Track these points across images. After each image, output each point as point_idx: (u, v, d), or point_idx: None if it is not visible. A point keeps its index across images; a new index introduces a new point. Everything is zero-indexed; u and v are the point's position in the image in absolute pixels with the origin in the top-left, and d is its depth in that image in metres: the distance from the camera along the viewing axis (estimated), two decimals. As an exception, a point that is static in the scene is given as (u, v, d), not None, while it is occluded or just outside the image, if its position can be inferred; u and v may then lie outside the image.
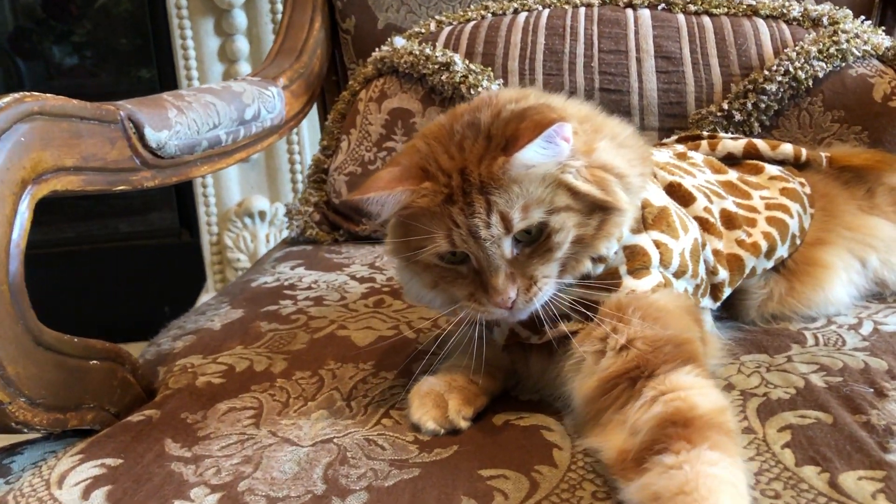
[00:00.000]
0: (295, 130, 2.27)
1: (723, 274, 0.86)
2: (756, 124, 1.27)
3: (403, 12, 1.55)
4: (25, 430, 0.71)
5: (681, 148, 1.05)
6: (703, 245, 0.84)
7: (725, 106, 1.27)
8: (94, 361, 0.79)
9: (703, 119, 1.28)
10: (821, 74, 1.27)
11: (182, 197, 2.60)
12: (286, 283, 1.17)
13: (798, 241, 0.94)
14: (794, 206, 0.95)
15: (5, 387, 0.67)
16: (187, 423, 0.77)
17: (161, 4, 2.35)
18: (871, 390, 0.75)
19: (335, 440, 0.72)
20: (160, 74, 2.55)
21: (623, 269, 0.76)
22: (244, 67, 2.33)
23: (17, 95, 0.72)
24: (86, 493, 0.67)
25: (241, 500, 0.64)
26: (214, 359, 0.91)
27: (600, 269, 0.75)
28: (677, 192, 0.88)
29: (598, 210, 0.71)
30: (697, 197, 0.89)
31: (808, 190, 1.00)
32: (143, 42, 2.61)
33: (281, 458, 0.69)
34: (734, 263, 0.87)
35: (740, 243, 0.88)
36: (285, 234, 2.44)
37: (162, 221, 2.72)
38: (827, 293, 0.94)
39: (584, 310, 0.72)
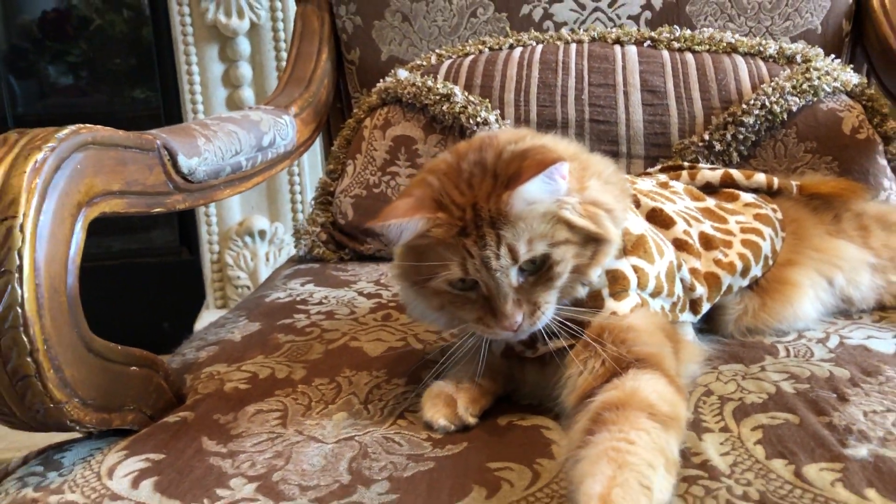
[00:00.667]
0: (295, 153, 2.36)
1: (700, 290, 0.95)
2: (735, 154, 1.37)
3: (405, 45, 1.64)
4: (77, 428, 0.79)
5: (663, 177, 1.15)
6: (680, 266, 0.94)
7: (706, 137, 1.37)
8: (134, 368, 0.87)
9: (685, 149, 1.38)
10: (794, 108, 1.37)
11: (182, 216, 2.68)
12: (298, 299, 1.25)
13: (770, 262, 1.04)
14: (767, 230, 1.04)
15: (63, 388, 0.75)
16: (220, 423, 0.85)
17: (165, 28, 2.44)
18: (835, 395, 0.84)
19: (356, 438, 0.80)
20: (164, 97, 2.64)
21: (605, 292, 0.85)
22: (247, 92, 2.42)
23: (73, 127, 0.80)
24: (135, 483, 0.75)
25: (277, 488, 0.72)
26: (238, 367, 0.99)
27: (586, 290, 0.84)
28: (659, 217, 0.97)
29: (591, 242, 0.80)
30: (677, 221, 0.98)
31: (779, 215, 1.09)
32: (138, 62, 2.69)
33: (309, 453, 0.78)
34: (712, 281, 0.96)
35: (717, 263, 0.97)
36: (284, 252, 2.53)
37: (162, 239, 2.79)
38: (796, 309, 1.03)
39: (572, 328, 0.81)
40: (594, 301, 0.84)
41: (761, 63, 1.45)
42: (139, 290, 2.71)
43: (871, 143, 1.38)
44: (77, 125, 0.81)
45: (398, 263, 0.86)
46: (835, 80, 1.39)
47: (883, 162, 1.38)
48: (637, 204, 0.99)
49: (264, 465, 0.76)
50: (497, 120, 1.44)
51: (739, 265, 0.98)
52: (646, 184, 1.07)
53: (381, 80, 1.56)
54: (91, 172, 0.81)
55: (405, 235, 0.78)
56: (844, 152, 1.37)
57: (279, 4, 2.35)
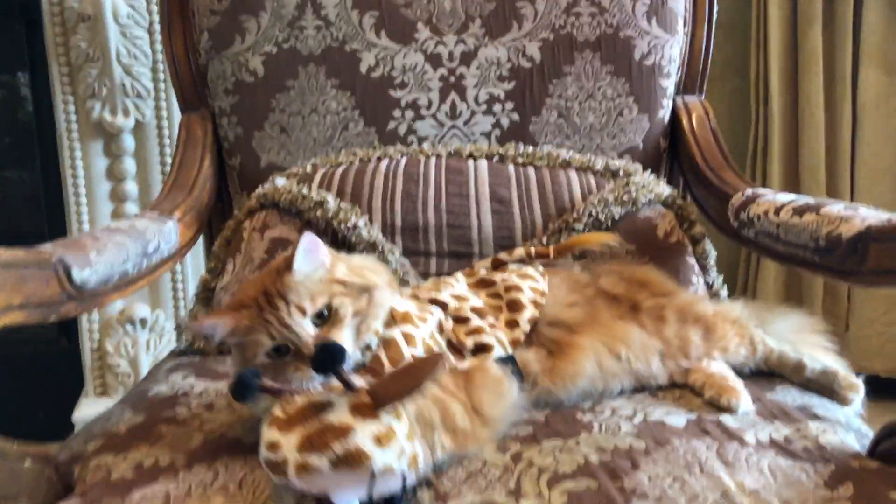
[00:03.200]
0: (178, 244, 2.46)
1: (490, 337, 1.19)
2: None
3: (283, 154, 1.82)
4: (-26, 519, 0.89)
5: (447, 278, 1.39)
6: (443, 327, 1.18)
7: (544, 240, 1.60)
8: (27, 463, 0.97)
9: (528, 250, 1.60)
10: (617, 217, 1.61)
11: (61, 305, 2.70)
12: (180, 392, 1.36)
13: (542, 300, 1.28)
14: (526, 283, 1.30)
15: (-37, 483, 0.85)
16: (108, 509, 0.96)
17: (48, 113, 2.52)
18: (630, 463, 1.03)
19: (231, 517, 0.93)
20: (45, 180, 2.69)
21: (384, 356, 1.05)
22: (130, 186, 2.52)
23: (-21, 252, 0.92)
24: (31, 566, 0.85)
25: (160, 564, 0.84)
26: (124, 457, 1.10)
27: (368, 356, 1.05)
28: (438, 302, 1.22)
29: (364, 291, 1.04)
30: (448, 302, 1.23)
31: (540, 268, 1.38)
32: (14, 142, 2.74)
33: (188, 532, 0.90)
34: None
35: (492, 326, 1.21)
36: (165, 339, 2.59)
37: (40, 329, 2.79)
38: (577, 367, 1.22)
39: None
40: (376, 363, 1.04)
41: (591, 177, 1.70)
42: (14, 381, 2.71)
43: (681, 245, 1.64)
44: (-18, 251, 0.93)
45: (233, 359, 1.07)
46: (650, 192, 1.65)
47: (692, 261, 1.64)
48: (416, 297, 1.23)
49: (149, 544, 0.88)
50: (366, 224, 1.61)
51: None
52: (426, 286, 1.35)
53: (261, 186, 1.71)
54: (-6, 291, 0.93)
55: (220, 333, 1.00)
56: (658, 253, 1.61)
57: (164, 104, 2.49)
